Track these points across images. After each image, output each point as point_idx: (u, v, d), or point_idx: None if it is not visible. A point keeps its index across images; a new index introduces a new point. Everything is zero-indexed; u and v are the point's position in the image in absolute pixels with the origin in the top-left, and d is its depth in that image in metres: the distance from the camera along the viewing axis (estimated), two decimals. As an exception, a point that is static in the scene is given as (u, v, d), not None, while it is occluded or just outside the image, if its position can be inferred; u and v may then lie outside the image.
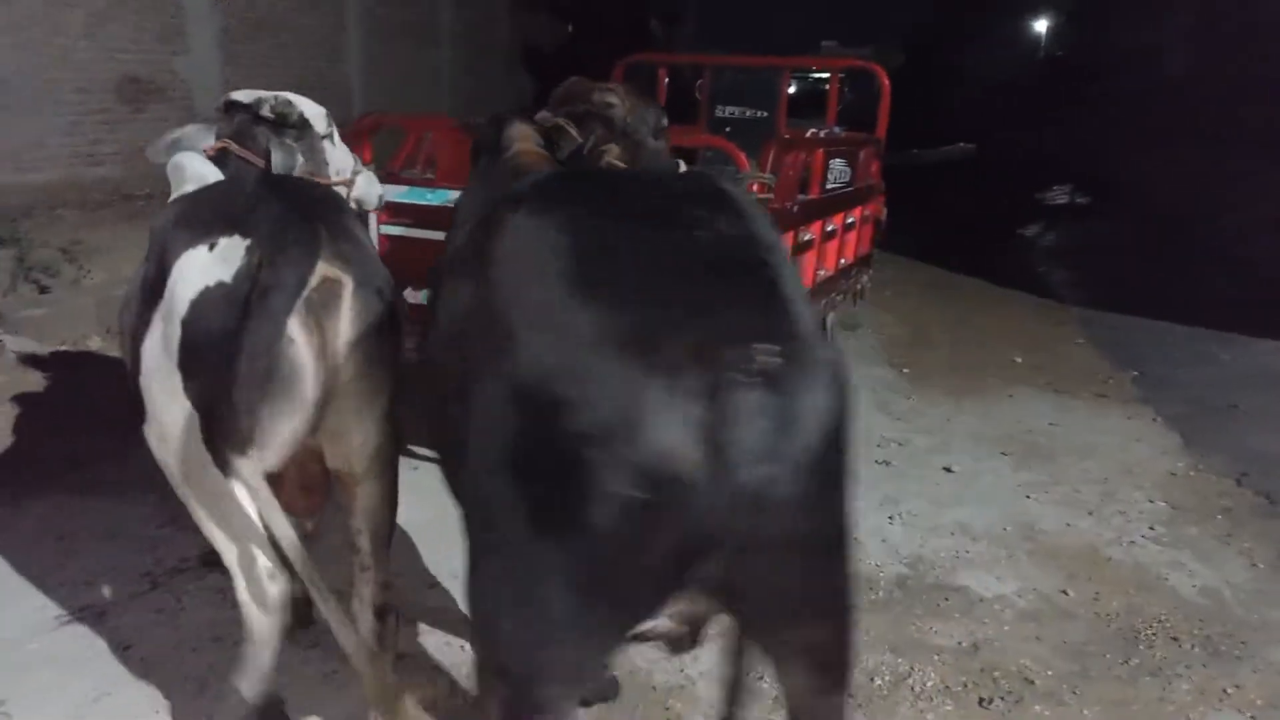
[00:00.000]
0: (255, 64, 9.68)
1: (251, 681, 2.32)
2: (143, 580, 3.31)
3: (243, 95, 2.83)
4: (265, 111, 2.78)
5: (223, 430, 1.98)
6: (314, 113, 2.92)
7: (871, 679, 2.98)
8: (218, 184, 2.49)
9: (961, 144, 23.86)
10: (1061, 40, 26.48)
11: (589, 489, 1.30)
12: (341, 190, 2.95)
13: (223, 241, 2.06)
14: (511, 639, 1.48)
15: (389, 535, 2.41)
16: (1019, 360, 6.66)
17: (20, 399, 4.82)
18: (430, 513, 2.98)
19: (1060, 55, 25.77)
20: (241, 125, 2.76)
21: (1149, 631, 3.31)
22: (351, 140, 3.75)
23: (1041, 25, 28.17)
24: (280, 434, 2.01)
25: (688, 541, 1.32)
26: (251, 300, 1.95)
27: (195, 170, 2.57)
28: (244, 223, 2.07)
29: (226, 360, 1.94)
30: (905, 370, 6.34)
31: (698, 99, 6.75)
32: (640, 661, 2.99)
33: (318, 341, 2.00)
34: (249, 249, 2.03)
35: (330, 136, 2.96)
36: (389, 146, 5.02)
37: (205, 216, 2.17)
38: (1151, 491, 4.49)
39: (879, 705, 2.86)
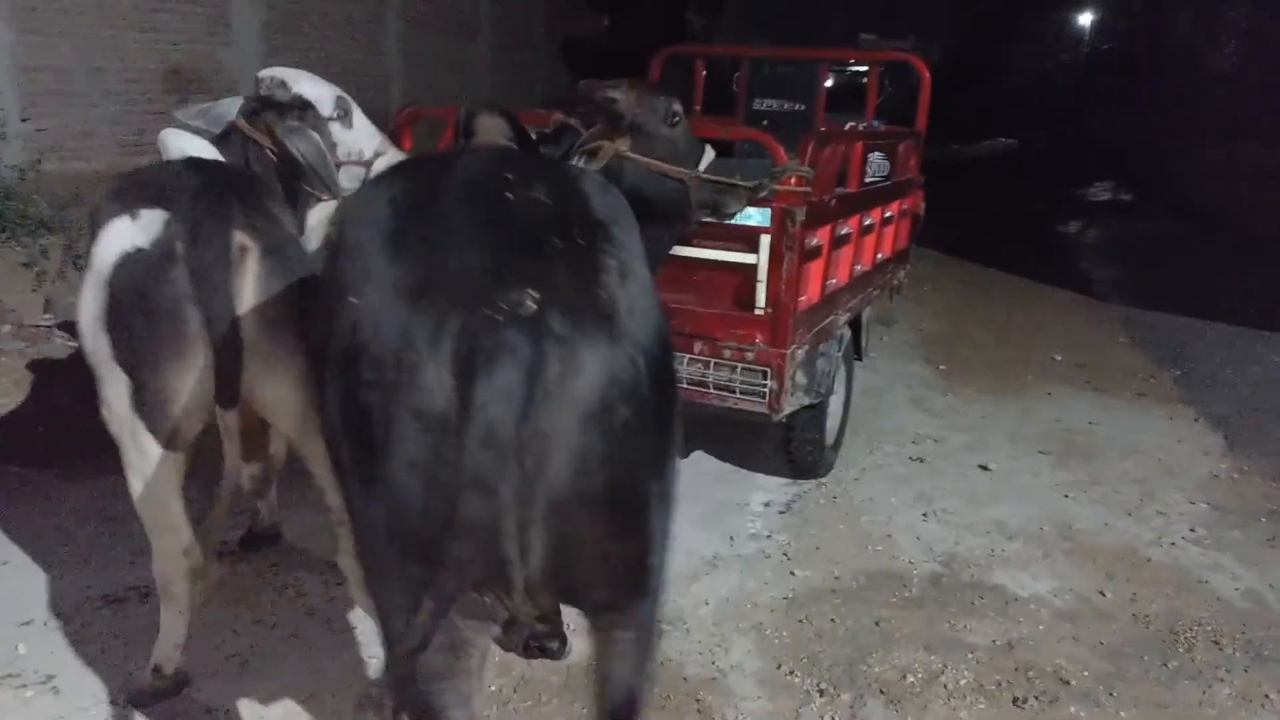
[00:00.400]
0: (297, 55, 9.78)
1: (164, 646, 2.57)
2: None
3: (262, 74, 2.93)
4: (263, 91, 2.90)
5: (147, 392, 2.22)
6: (317, 94, 2.97)
7: (904, 676, 2.97)
8: (152, 164, 2.66)
9: (1002, 139, 23.51)
10: (1108, 34, 25.98)
11: (378, 434, 1.39)
12: (358, 172, 3.00)
13: (144, 213, 2.25)
14: (372, 596, 1.60)
15: None
16: (1058, 358, 6.56)
17: (68, 381, 4.94)
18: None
19: (1106, 49, 25.29)
20: (255, 105, 2.88)
21: (1189, 634, 3.26)
22: (393, 130, 3.80)
23: (1087, 19, 27.66)
24: (188, 390, 2.23)
25: (464, 481, 1.33)
26: (179, 272, 2.17)
27: (175, 145, 2.74)
28: (165, 197, 2.26)
29: (147, 325, 2.18)
30: (941, 367, 6.28)
31: (735, 92, 6.71)
32: (672, 653, 3.01)
33: None
34: (167, 221, 2.22)
35: (342, 119, 3.00)
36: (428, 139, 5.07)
37: (133, 191, 2.37)
38: (1193, 493, 4.42)
39: (911, 703, 2.85)
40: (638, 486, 1.52)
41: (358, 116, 3.09)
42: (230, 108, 2.89)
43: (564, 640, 1.74)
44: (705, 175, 2.81)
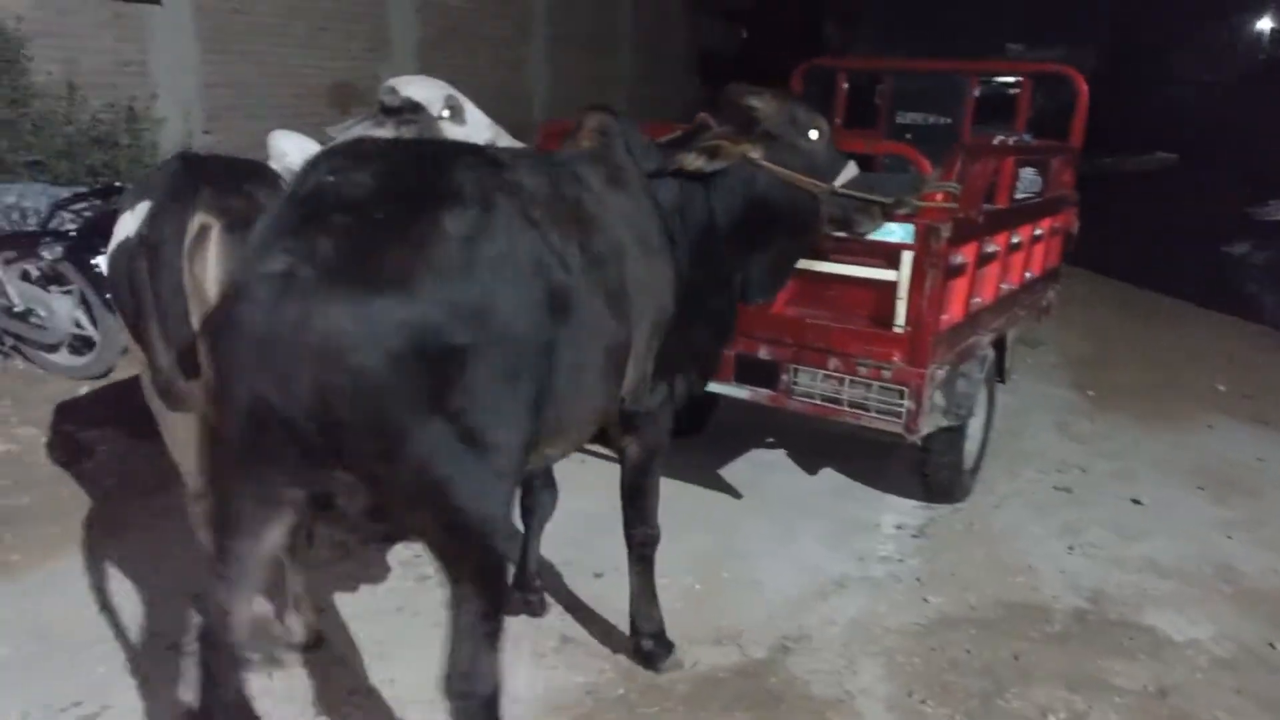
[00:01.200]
0: (446, 70, 10.17)
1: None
2: (337, 547, 3.58)
3: (383, 84, 3.14)
4: (381, 99, 3.11)
5: (146, 361, 2.40)
6: (427, 96, 3.12)
7: (1045, 715, 2.84)
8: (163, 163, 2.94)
9: (1161, 153, 22.12)
10: (1285, 41, 24.08)
11: (209, 364, 1.85)
12: None
13: (139, 205, 2.43)
14: None
15: None
16: (1221, 388, 6.13)
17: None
18: (598, 504, 3.09)
19: (1283, 57, 23.44)
20: (379, 113, 3.10)
21: (1370, 696, 2.98)
22: (535, 145, 3.93)
23: (1264, 24, 25.72)
24: (165, 360, 2.35)
25: (253, 404, 1.73)
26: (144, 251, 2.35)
27: (276, 148, 2.96)
28: (152, 189, 2.46)
29: (129, 303, 2.38)
30: (1090, 392, 5.97)
31: (877, 105, 6.61)
32: (798, 671, 2.98)
33: (190, 279, 2.26)
34: (149, 208, 2.39)
35: (453, 116, 3.14)
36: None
37: (141, 186, 2.60)
38: (1377, 541, 4.04)
39: (1051, 742, 2.73)
40: (379, 419, 1.73)
41: (471, 112, 3.21)
42: (357, 122, 3.13)
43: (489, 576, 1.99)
44: (840, 190, 2.74)
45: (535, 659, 2.98)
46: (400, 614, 3.20)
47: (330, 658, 2.93)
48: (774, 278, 2.98)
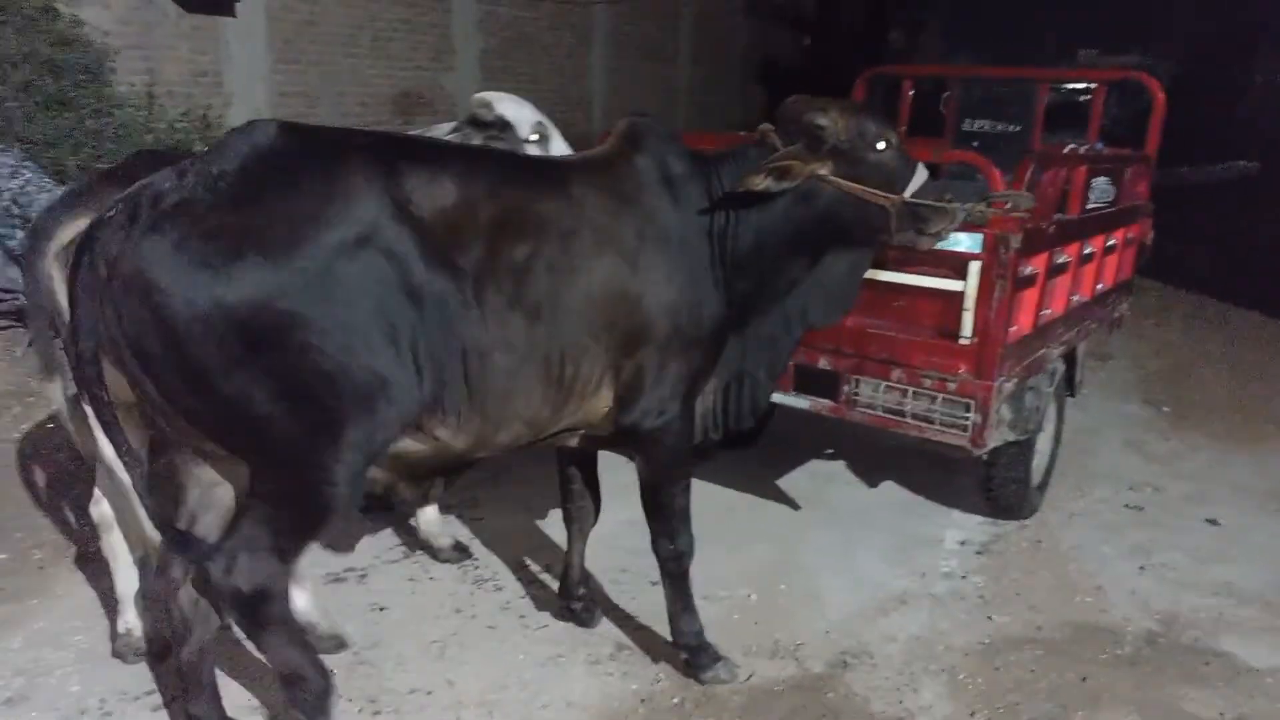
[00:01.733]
0: (509, 79, 10.39)
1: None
2: (396, 549, 3.64)
3: (475, 96, 3.19)
4: (472, 111, 3.17)
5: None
6: (519, 117, 3.15)
7: (1113, 740, 2.75)
8: None
9: (1241, 162, 21.33)
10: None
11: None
12: None
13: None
14: None
15: None
16: (1307, 407, 5.89)
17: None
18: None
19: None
20: (465, 124, 3.16)
21: None
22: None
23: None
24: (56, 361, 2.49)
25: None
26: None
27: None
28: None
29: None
30: (1164, 409, 5.78)
31: (942, 112, 6.49)
32: (857, 687, 2.93)
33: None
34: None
35: (538, 142, 3.17)
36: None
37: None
38: None
39: (1121, 770, 2.63)
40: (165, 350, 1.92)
41: (556, 142, 3.25)
42: (447, 129, 3.16)
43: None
44: (911, 200, 2.68)
45: (589, 666, 2.99)
46: (458, 615, 3.23)
47: (391, 656, 2.97)
48: (840, 297, 2.92)
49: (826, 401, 3.62)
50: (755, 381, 2.89)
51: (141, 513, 2.51)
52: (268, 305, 1.90)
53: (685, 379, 2.63)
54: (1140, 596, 3.57)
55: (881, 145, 2.64)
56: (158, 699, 2.72)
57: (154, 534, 2.53)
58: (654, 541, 2.84)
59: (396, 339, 2.05)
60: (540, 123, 3.22)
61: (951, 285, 3.38)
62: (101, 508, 2.82)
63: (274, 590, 2.16)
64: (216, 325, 1.89)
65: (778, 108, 2.74)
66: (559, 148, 3.28)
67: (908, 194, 2.67)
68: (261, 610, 2.15)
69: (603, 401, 2.56)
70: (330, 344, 1.97)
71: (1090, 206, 4.35)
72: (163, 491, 2.24)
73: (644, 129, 2.66)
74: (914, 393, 3.46)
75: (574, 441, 2.76)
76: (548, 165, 2.66)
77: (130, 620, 2.88)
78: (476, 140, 3.18)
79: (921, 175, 2.72)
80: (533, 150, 3.18)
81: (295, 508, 2.14)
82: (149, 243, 1.88)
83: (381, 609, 3.25)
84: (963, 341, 3.37)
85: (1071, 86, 8.06)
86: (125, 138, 6.53)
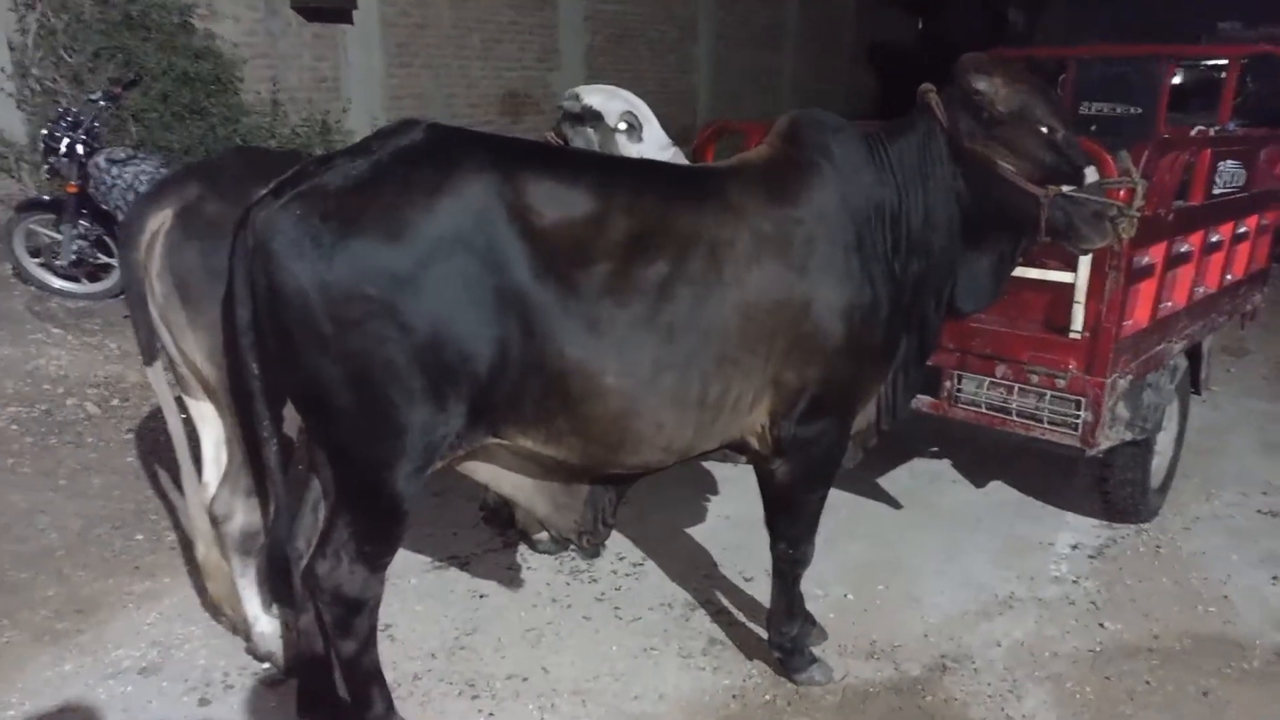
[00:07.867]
0: (613, 75, 10.47)
1: None
2: (496, 538, 3.74)
3: (568, 90, 3.28)
4: (563, 104, 3.25)
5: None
6: (606, 107, 3.18)
7: (1235, 759, 2.59)
8: None
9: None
10: None
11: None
12: None
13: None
14: None
15: None
16: None
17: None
18: (748, 509, 3.07)
19: None
20: (562, 117, 3.24)
21: None
22: (697, 145, 3.95)
23: None
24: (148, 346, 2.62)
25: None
26: None
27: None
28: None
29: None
30: (1305, 407, 5.38)
31: (1060, 95, 6.20)
32: (956, 692, 2.86)
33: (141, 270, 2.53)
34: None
35: (628, 132, 3.18)
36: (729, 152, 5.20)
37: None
38: None
39: (1243, 791, 2.48)
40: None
41: (650, 130, 3.24)
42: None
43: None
44: (1069, 194, 2.43)
45: (682, 659, 3.01)
46: (555, 605, 3.30)
47: (489, 642, 3.07)
48: (989, 285, 2.72)
49: (927, 398, 3.53)
50: (908, 371, 2.76)
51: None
52: (356, 290, 1.96)
53: (854, 387, 2.53)
54: (1273, 608, 3.35)
55: (1045, 130, 2.44)
56: (276, 674, 2.88)
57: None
58: (773, 543, 2.79)
59: (473, 342, 2.05)
60: (629, 111, 3.22)
61: (1061, 277, 3.24)
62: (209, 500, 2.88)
63: (367, 601, 2.28)
64: (314, 302, 1.97)
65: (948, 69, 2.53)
66: (654, 136, 3.27)
67: (1066, 189, 2.43)
68: (351, 619, 2.28)
69: (759, 416, 2.46)
70: (406, 338, 2.00)
71: (1218, 192, 4.09)
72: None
73: (806, 122, 2.54)
74: (1020, 389, 3.34)
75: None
76: (704, 175, 2.55)
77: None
78: (571, 133, 3.24)
79: (1092, 173, 2.50)
80: (622, 141, 3.19)
81: (362, 507, 2.22)
82: (279, 216, 1.99)
83: (482, 596, 3.35)
84: (1073, 336, 3.23)
85: (1203, 64, 7.56)
86: (251, 144, 6.91)
